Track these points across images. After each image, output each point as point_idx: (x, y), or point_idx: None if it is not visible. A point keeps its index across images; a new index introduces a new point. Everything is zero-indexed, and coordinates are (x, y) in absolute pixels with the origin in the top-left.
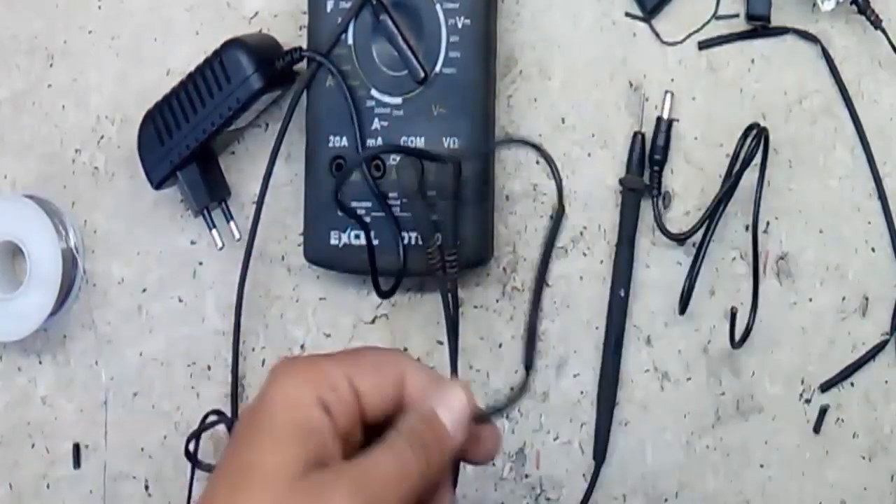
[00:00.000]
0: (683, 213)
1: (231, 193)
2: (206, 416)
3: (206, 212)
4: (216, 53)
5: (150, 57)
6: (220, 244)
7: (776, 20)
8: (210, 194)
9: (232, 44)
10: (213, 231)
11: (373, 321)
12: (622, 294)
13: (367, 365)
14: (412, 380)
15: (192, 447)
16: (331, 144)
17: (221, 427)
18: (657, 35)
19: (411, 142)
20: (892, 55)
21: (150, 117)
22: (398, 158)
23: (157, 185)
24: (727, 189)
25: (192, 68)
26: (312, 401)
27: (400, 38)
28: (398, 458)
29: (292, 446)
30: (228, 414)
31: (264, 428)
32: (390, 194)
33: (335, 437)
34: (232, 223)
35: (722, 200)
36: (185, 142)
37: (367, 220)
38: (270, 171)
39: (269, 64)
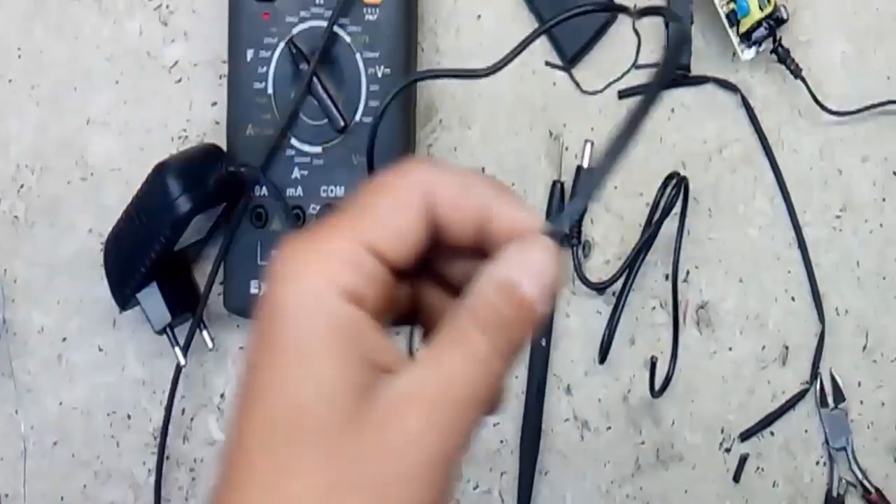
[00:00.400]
0: (603, 262)
1: (205, 303)
2: None
3: (168, 331)
4: (147, 178)
5: (70, 106)
6: (183, 362)
7: (696, 69)
8: (172, 312)
9: (160, 167)
10: (177, 350)
11: None
12: (543, 343)
13: (385, 215)
14: (452, 210)
15: None
16: (252, 194)
17: None
18: (577, 84)
19: (331, 191)
20: (811, 104)
21: (108, 243)
22: (318, 207)
23: (122, 308)
24: (647, 238)
25: (111, 117)
26: (338, 298)
27: (320, 88)
28: (476, 356)
29: (334, 368)
30: None
31: (290, 353)
32: None
33: (377, 330)
34: (205, 332)
35: (641, 250)
36: (137, 266)
37: None
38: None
39: (200, 184)
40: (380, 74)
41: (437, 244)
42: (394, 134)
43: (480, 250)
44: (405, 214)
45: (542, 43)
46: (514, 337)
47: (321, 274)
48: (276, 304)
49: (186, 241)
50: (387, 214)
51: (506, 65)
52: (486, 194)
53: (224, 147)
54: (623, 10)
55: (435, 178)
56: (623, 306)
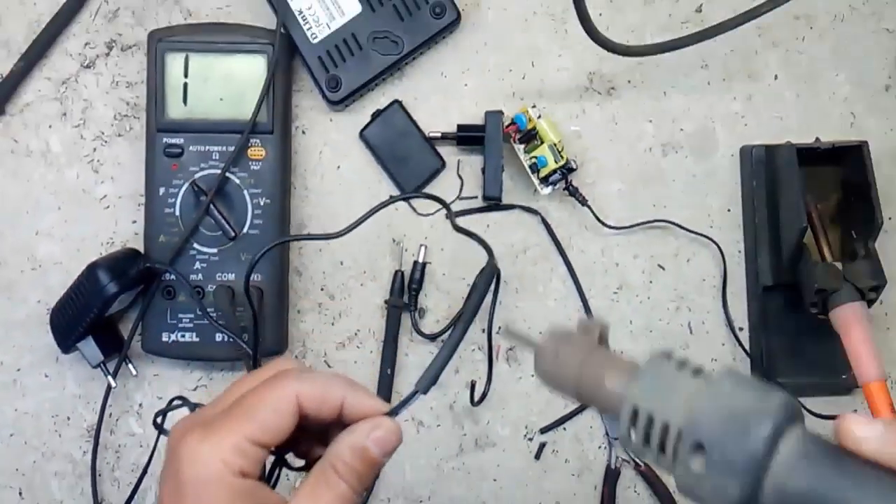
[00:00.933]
0: (434, 321)
1: (128, 346)
2: (172, 401)
3: (102, 365)
4: (83, 271)
5: (24, 224)
6: (114, 384)
7: (507, 200)
8: (104, 353)
9: (93, 264)
10: (109, 377)
11: (195, 389)
12: (388, 372)
13: (264, 419)
14: (316, 406)
15: (159, 420)
16: (163, 278)
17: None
18: (414, 209)
19: (224, 276)
20: (595, 222)
21: (53, 313)
22: (213, 286)
23: (65, 352)
24: (465, 309)
25: (55, 230)
26: (233, 475)
27: (216, 212)
28: (342, 495)
29: None
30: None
31: None
32: (209, 309)
33: (264, 487)
34: (130, 364)
35: (461, 314)
36: (76, 328)
37: (191, 325)
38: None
39: (123, 275)
40: (262, 203)
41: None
42: (273, 239)
43: (340, 423)
44: (279, 417)
45: (388, 182)
46: (366, 479)
47: (217, 459)
48: (187, 482)
49: (114, 310)
50: (266, 419)
51: (354, 228)
52: (341, 391)
53: (142, 249)
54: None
55: (302, 387)
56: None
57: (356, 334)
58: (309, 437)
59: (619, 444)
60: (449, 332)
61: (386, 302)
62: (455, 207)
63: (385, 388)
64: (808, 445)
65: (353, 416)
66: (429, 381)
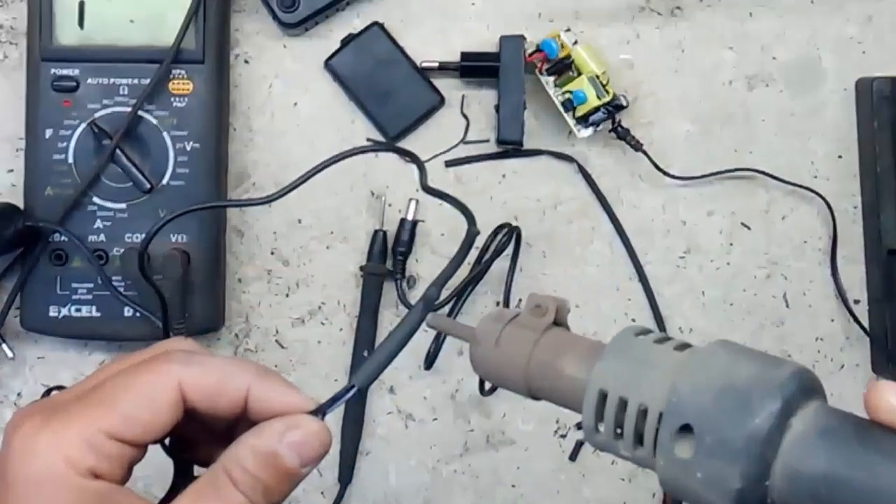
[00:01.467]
0: None
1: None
2: (49, 390)
3: None
4: None
5: None
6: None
7: (531, 144)
8: None
9: None
10: None
11: None
12: (365, 354)
13: (129, 410)
14: (207, 401)
15: None
16: (51, 240)
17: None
18: (402, 156)
19: (136, 237)
20: (653, 171)
21: None
22: (121, 250)
23: None
24: (477, 273)
25: None
26: (78, 475)
27: (124, 158)
28: None
29: None
30: None
31: None
32: (114, 278)
33: (123, 492)
34: (4, 345)
35: (471, 282)
36: None
37: (90, 297)
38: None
39: None
40: (188, 148)
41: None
42: (204, 191)
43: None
44: (150, 408)
45: (365, 122)
46: (273, 495)
47: (59, 455)
48: (16, 480)
49: None
50: (130, 409)
51: (291, 190)
52: (244, 380)
53: (21, 205)
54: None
55: (187, 376)
56: None
57: (320, 308)
58: (212, 439)
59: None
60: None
61: (362, 269)
62: (458, 153)
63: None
64: (829, 420)
65: (264, 412)
66: (370, 373)
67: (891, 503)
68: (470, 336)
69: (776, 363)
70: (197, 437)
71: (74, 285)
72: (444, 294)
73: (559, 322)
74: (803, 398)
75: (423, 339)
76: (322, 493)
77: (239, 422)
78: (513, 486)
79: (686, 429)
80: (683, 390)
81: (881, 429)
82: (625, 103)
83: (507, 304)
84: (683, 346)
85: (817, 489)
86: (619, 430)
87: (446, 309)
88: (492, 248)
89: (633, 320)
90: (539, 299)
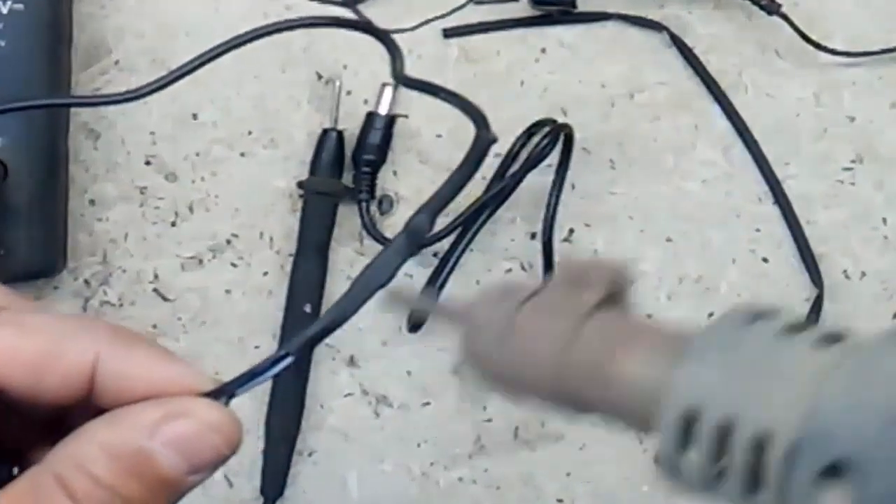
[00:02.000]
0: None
1: None
2: None
3: None
4: None
5: None
6: None
7: (592, 5)
8: None
9: None
10: None
11: None
12: (307, 310)
13: None
14: (19, 364)
15: None
16: None
17: None
18: (370, 28)
19: None
20: (799, 43)
21: None
22: None
23: None
24: (497, 191)
25: None
26: None
27: None
28: None
29: None
30: None
31: None
32: None
33: None
34: None
35: (487, 205)
36: None
37: None
38: None
39: None
40: (5, 11)
41: None
42: (27, 79)
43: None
44: None
45: None
46: None
47: None
48: None
49: None
50: None
51: (176, 80)
52: (89, 350)
53: None
54: None
55: None
56: (451, 268)
57: (229, 243)
58: (32, 432)
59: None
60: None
61: (301, 185)
62: (466, 17)
63: (296, 331)
64: None
65: (122, 394)
66: (312, 336)
67: None
68: (464, 319)
69: None
70: (9, 429)
71: None
72: (443, 224)
73: (614, 302)
74: None
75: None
76: None
77: (76, 408)
78: (558, 501)
79: (834, 469)
80: (832, 410)
81: None
82: None
83: (548, 241)
84: (830, 339)
85: None
86: (717, 462)
87: (443, 248)
88: (522, 155)
89: (765, 260)
90: (579, 266)
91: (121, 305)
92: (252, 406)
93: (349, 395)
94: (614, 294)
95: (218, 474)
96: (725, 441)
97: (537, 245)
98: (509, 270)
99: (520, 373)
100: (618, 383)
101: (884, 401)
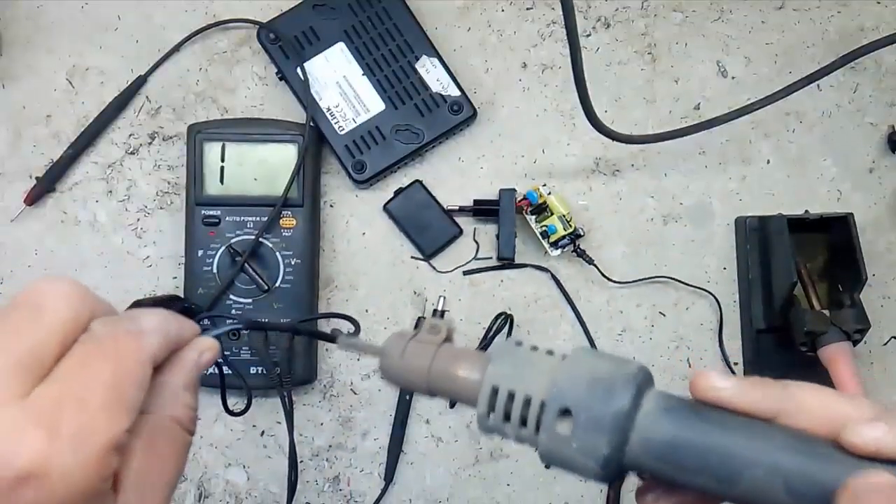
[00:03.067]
0: None
1: None
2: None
3: None
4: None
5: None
6: None
7: (519, 260)
8: None
9: (136, 302)
10: None
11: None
12: (407, 398)
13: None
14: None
15: None
16: (200, 324)
17: None
18: (433, 268)
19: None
20: (601, 279)
21: None
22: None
23: None
24: (483, 345)
25: (100, 285)
26: None
27: (250, 269)
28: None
29: None
30: None
31: None
32: (243, 348)
33: None
34: None
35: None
36: None
37: (229, 360)
38: None
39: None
40: (293, 263)
41: None
42: (303, 290)
43: None
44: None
45: (409, 246)
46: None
47: None
48: None
49: None
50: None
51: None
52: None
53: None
54: None
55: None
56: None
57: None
58: None
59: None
60: None
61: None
62: (472, 266)
63: (403, 410)
64: (669, 401)
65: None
66: (257, 323)
67: (718, 456)
68: (379, 352)
69: (626, 361)
70: None
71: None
72: None
73: (449, 339)
74: (647, 385)
75: None
76: (380, 489)
77: None
78: (507, 484)
79: (565, 412)
80: (561, 382)
81: (703, 405)
82: (582, 233)
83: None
84: (550, 352)
85: (664, 451)
86: (506, 417)
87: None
88: (494, 328)
89: None
90: (434, 322)
91: (337, 396)
92: (383, 437)
93: (426, 437)
94: (450, 337)
95: (373, 473)
96: (510, 403)
97: None
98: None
99: (409, 378)
100: (457, 379)
101: (582, 378)
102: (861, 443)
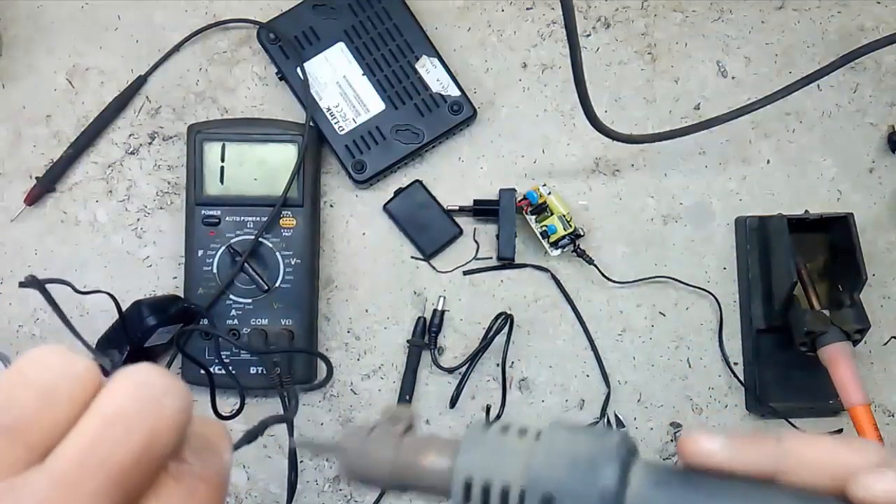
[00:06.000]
0: (452, 357)
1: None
2: None
3: None
4: (128, 308)
5: (72, 280)
6: None
7: (519, 260)
8: None
9: (137, 302)
10: None
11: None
12: (407, 398)
13: None
14: None
15: None
16: (200, 324)
17: None
18: (433, 268)
19: (258, 322)
20: (601, 278)
21: (100, 340)
22: (248, 330)
23: (105, 375)
24: (483, 345)
25: (101, 285)
26: None
27: (250, 270)
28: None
29: None
30: None
31: None
32: (243, 351)
33: None
34: None
35: (480, 351)
36: (121, 356)
37: (228, 361)
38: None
39: (162, 311)
40: (293, 263)
41: None
42: (303, 290)
43: None
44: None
45: (409, 246)
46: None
47: None
48: None
49: (153, 342)
50: None
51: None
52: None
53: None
54: None
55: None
56: (467, 378)
57: (380, 368)
58: None
59: None
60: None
61: (408, 341)
62: (472, 266)
63: None
64: (658, 474)
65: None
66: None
67: None
68: (337, 449)
69: (606, 433)
70: None
71: (221, 353)
72: (460, 360)
73: (409, 428)
74: (631, 457)
75: (447, 391)
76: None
77: None
78: None
79: (547, 499)
80: (538, 467)
81: (695, 473)
82: (582, 233)
83: (504, 366)
84: (523, 432)
85: None
86: None
87: (463, 369)
88: (494, 328)
89: (588, 376)
90: (394, 411)
91: (337, 397)
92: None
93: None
94: (411, 425)
95: None
96: (487, 495)
97: (499, 369)
98: (489, 381)
99: (373, 475)
100: (426, 472)
101: (560, 459)
102: (870, 498)
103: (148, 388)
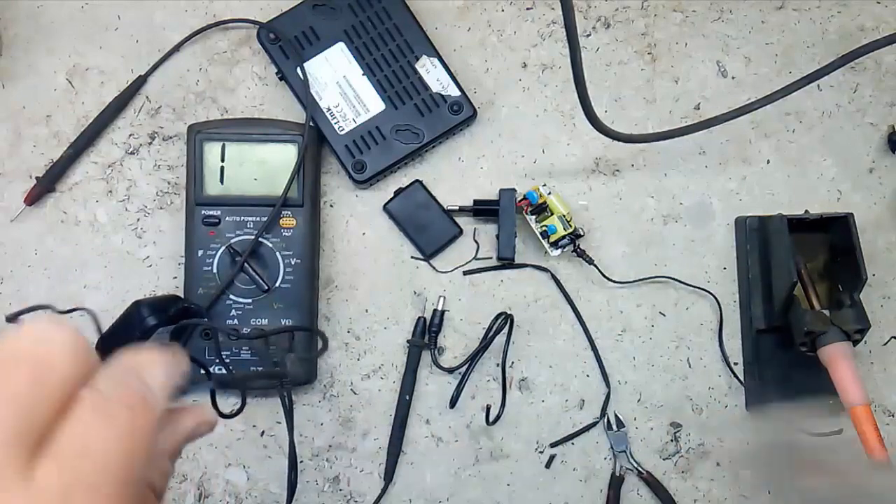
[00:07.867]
0: (452, 357)
1: None
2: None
3: None
4: (128, 308)
5: (72, 279)
6: None
7: (519, 260)
8: None
9: (136, 302)
10: None
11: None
12: (407, 398)
13: None
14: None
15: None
16: (201, 323)
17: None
18: (433, 268)
19: (258, 322)
20: (601, 278)
21: (99, 340)
22: (248, 329)
23: None
24: (484, 345)
25: (102, 284)
26: None
27: (250, 269)
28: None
29: None
30: None
31: None
32: (243, 348)
33: None
34: None
35: (481, 350)
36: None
37: (228, 361)
38: None
39: (162, 311)
40: (293, 263)
41: None
42: (303, 290)
43: None
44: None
45: (409, 246)
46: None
47: None
48: None
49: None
50: None
51: None
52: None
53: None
54: None
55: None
56: (467, 378)
57: (380, 367)
58: None
59: (624, 457)
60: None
61: (408, 341)
62: (472, 266)
63: (402, 410)
64: None
65: None
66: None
67: None
68: None
69: None
70: None
71: (222, 353)
72: (460, 360)
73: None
74: None
75: (448, 390)
76: (379, 489)
77: None
78: (507, 484)
79: None
80: None
81: None
82: (582, 233)
83: (504, 366)
84: None
85: None
86: None
87: (463, 369)
88: (494, 328)
89: (588, 375)
90: None
91: (337, 397)
92: (383, 437)
93: (426, 437)
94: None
95: (373, 473)
96: None
97: (499, 369)
98: (489, 381)
99: None
100: None
101: None
102: None
103: (36, 330)
